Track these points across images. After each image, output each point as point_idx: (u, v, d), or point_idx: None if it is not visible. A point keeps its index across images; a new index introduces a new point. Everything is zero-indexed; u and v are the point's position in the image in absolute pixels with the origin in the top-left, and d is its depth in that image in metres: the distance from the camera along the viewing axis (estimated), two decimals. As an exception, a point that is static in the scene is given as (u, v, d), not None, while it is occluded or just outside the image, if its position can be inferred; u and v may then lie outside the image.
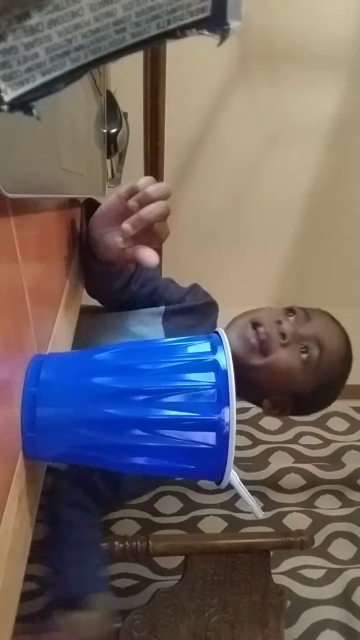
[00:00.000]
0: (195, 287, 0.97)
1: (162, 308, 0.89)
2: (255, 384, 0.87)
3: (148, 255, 0.61)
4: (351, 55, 1.59)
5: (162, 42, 0.23)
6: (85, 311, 0.79)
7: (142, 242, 0.63)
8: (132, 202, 0.60)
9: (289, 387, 0.88)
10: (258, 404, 0.94)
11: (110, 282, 0.79)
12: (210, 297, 0.97)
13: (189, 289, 0.96)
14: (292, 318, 0.87)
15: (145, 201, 0.59)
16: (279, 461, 1.46)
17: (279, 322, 0.84)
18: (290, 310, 0.88)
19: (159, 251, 0.64)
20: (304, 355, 0.84)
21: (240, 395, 0.85)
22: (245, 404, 1.06)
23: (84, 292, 0.79)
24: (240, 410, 1.43)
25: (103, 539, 0.90)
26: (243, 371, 0.75)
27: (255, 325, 0.86)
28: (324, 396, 0.93)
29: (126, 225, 0.60)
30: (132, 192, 0.61)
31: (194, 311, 0.91)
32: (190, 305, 0.91)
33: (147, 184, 0.60)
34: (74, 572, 0.75)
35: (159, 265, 1.60)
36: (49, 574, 0.81)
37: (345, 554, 1.29)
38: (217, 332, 0.44)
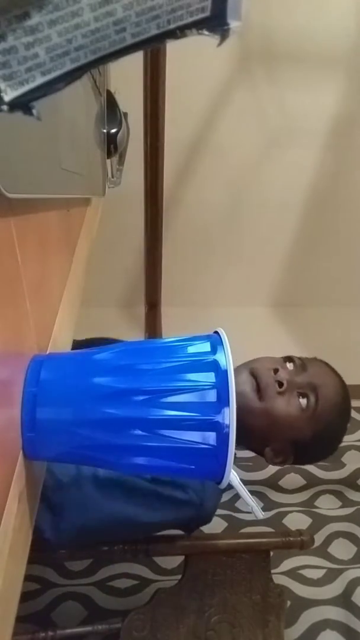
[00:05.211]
0: None
1: None
2: (254, 429, 0.86)
3: None
4: (351, 55, 1.58)
5: (162, 42, 0.23)
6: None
7: None
8: None
9: (287, 433, 0.88)
10: (260, 453, 0.92)
11: None
12: None
13: None
14: (289, 365, 0.88)
15: None
16: (279, 461, 1.46)
17: (276, 371, 0.85)
18: (288, 359, 0.89)
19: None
20: (302, 401, 0.85)
21: (242, 444, 0.86)
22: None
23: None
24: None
25: None
26: (242, 417, 0.74)
27: (252, 374, 0.86)
28: (324, 445, 0.93)
29: None
30: None
31: None
32: None
33: None
34: None
35: (159, 266, 1.61)
36: None
37: (345, 554, 1.29)
38: (217, 332, 0.44)
